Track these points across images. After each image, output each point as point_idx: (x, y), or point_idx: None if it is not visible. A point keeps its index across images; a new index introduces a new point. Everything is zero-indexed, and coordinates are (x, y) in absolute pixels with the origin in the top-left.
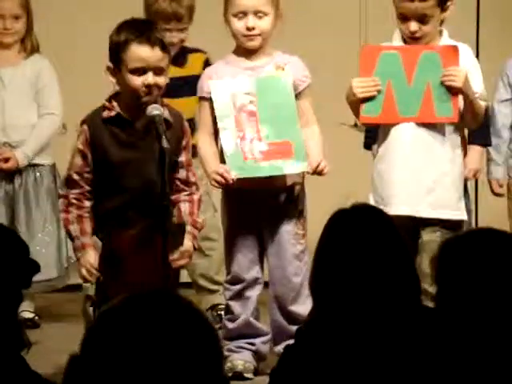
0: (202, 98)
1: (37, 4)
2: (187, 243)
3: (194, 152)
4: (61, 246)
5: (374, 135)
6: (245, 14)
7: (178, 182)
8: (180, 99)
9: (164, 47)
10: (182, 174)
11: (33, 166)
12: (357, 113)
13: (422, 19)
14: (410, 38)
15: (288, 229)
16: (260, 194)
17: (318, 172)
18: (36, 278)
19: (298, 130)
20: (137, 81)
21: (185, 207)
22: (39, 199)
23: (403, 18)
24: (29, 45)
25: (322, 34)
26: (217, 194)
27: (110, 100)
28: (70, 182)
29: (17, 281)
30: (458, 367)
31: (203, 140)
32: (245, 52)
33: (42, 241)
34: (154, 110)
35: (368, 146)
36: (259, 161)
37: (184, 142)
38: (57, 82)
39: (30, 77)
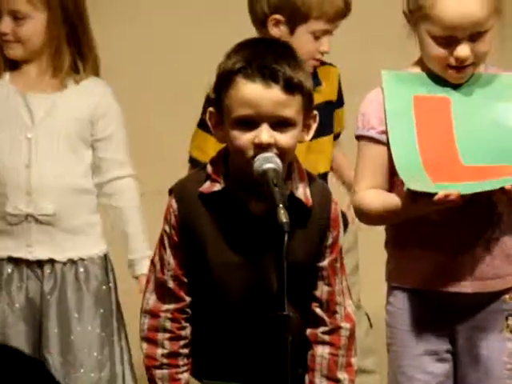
0: (363, 138)
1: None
2: None
3: None
4: None
5: None
6: (455, 39)
7: (316, 307)
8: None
9: (291, 86)
10: (322, 291)
11: (71, 259)
12: None
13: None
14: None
15: (501, 359)
16: (455, 300)
17: None
18: None
19: None
20: (242, 138)
21: (323, 355)
22: (83, 311)
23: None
24: (66, 63)
25: None
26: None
27: (216, 164)
28: (162, 292)
29: None
30: None
31: (368, 195)
32: (441, 78)
33: (86, 379)
34: (266, 162)
35: None
36: (455, 181)
37: (330, 239)
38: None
39: (82, 115)
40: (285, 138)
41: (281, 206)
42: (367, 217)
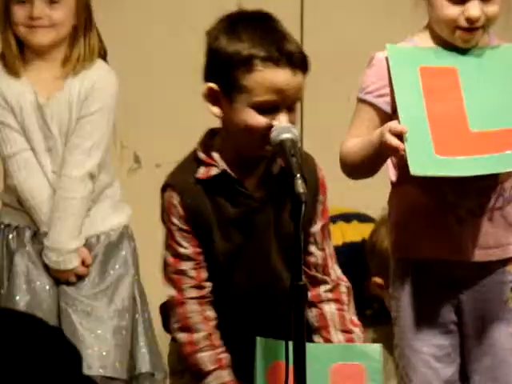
0: (361, 101)
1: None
2: None
3: None
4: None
5: None
6: None
7: (313, 270)
8: None
9: (306, 67)
10: (316, 255)
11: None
12: None
13: None
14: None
15: (507, 330)
16: (459, 270)
17: None
18: None
19: None
20: (260, 121)
21: (332, 312)
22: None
23: None
24: (81, 49)
25: None
26: None
27: (206, 148)
28: (183, 282)
29: None
30: None
31: (351, 140)
32: (449, 45)
33: (107, 325)
34: (283, 132)
35: None
36: (460, 155)
37: (320, 206)
38: (111, 111)
39: (76, 107)
40: (294, 119)
41: (298, 176)
42: (346, 161)
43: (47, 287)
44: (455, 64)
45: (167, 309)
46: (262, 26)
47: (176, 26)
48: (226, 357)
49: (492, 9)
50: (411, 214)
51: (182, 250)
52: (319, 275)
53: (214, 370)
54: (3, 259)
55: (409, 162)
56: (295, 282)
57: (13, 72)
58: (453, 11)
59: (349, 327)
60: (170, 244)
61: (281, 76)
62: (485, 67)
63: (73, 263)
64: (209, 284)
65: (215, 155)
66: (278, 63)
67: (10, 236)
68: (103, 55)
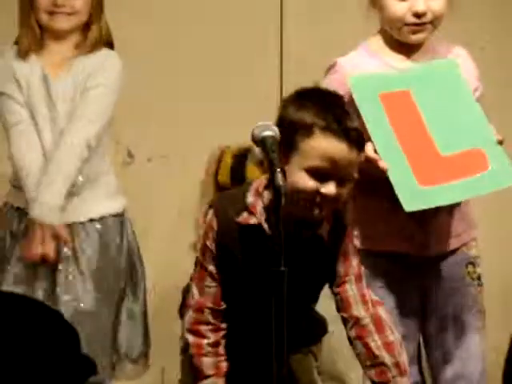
0: None
1: None
2: None
3: None
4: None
5: None
6: None
7: (339, 310)
8: None
9: (362, 146)
10: (335, 292)
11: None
12: None
13: None
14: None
15: (467, 304)
16: (422, 258)
17: None
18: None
19: (490, 132)
20: (309, 184)
21: (360, 351)
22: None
23: None
24: (94, 34)
25: None
26: None
27: (258, 194)
28: (205, 293)
29: None
30: None
31: None
32: (401, 46)
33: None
34: (265, 129)
35: None
36: (439, 182)
37: (341, 268)
38: (114, 91)
39: (81, 82)
40: (343, 192)
41: (278, 170)
42: None
43: (42, 289)
44: (407, 85)
45: (187, 304)
46: (328, 101)
47: (169, 25)
48: (225, 366)
49: (436, 3)
50: (374, 212)
51: (207, 265)
52: (343, 314)
53: (212, 375)
54: (6, 237)
55: (401, 201)
56: (274, 268)
57: (27, 54)
58: (400, 8)
59: (378, 360)
60: (199, 257)
61: (336, 146)
62: (431, 85)
63: (55, 219)
64: (223, 303)
65: (259, 206)
66: (336, 135)
67: (15, 220)
68: (110, 47)
